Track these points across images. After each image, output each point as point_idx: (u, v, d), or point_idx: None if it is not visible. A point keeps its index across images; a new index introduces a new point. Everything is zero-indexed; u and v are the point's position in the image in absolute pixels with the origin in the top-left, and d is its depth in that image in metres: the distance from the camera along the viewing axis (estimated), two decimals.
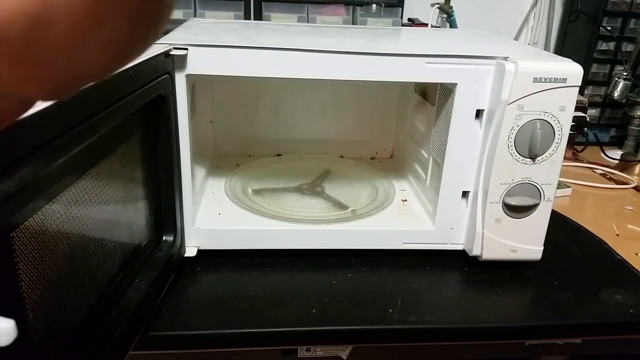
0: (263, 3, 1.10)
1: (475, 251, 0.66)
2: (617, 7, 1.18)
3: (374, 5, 1.12)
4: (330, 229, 0.69)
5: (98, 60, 0.19)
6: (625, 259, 0.73)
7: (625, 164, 1.12)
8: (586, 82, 1.23)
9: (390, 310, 0.59)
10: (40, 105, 0.30)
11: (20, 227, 0.33)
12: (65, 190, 0.39)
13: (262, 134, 0.94)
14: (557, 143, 0.61)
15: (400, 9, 1.14)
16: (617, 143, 1.25)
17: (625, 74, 1.16)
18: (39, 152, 0.31)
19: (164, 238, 0.60)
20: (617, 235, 0.83)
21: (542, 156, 0.62)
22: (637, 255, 0.76)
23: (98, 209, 0.45)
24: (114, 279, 0.49)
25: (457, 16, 1.27)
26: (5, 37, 0.16)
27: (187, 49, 0.57)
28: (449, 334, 0.59)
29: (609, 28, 1.18)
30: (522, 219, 0.64)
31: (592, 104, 1.23)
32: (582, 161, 1.16)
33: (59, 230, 0.38)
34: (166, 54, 0.54)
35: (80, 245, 0.42)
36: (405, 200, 0.80)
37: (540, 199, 0.64)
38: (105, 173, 0.46)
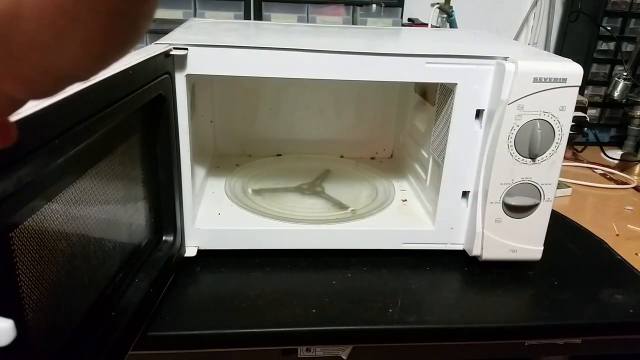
0: (263, 3, 1.10)
1: (475, 251, 0.66)
2: (617, 7, 1.18)
3: (374, 5, 1.12)
4: (330, 229, 0.69)
5: (78, 59, 0.19)
6: (625, 259, 0.73)
7: (625, 164, 1.12)
8: (586, 82, 1.23)
9: (390, 310, 0.59)
10: (38, 105, 0.30)
11: (20, 227, 0.33)
12: (65, 190, 0.39)
13: (262, 134, 0.94)
14: (557, 143, 0.61)
15: (400, 9, 1.14)
16: (617, 143, 1.25)
17: (625, 74, 1.16)
18: (38, 152, 0.31)
19: (163, 238, 0.60)
20: (617, 235, 0.83)
21: (542, 156, 0.62)
22: (637, 255, 0.76)
23: (98, 208, 0.45)
24: (113, 279, 0.49)
25: (457, 16, 1.27)
26: None
27: (187, 49, 0.57)
28: (449, 334, 0.59)
29: (609, 28, 1.18)
30: (522, 219, 0.64)
31: (592, 104, 1.23)
32: (582, 161, 1.16)
33: (59, 230, 0.38)
34: (166, 54, 0.54)
35: (79, 245, 0.42)
36: (405, 200, 0.80)
37: (540, 199, 0.64)
38: (105, 173, 0.46)
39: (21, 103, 0.21)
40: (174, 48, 0.56)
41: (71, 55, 0.19)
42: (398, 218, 0.74)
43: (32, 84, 0.19)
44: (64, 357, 0.40)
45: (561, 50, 1.33)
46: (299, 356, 0.60)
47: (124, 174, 0.50)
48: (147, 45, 0.56)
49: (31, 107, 0.30)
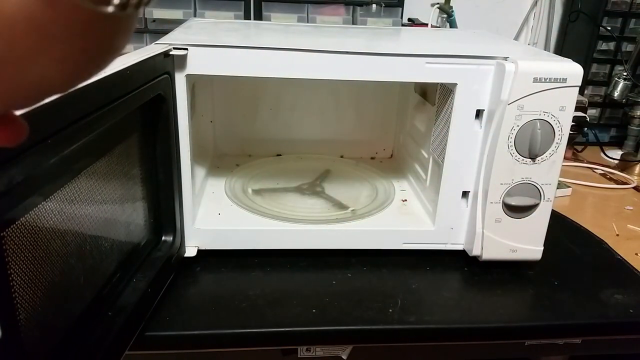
0: (263, 3, 1.10)
1: (475, 251, 0.66)
2: (617, 7, 1.18)
3: (374, 5, 1.12)
4: (330, 229, 0.69)
5: (53, 75, 0.19)
6: (625, 259, 0.73)
7: (625, 164, 1.12)
8: (586, 82, 1.23)
9: (390, 310, 0.59)
10: None
11: (12, 226, 0.32)
12: (60, 189, 0.39)
13: (262, 134, 0.94)
14: (557, 143, 0.61)
15: (400, 9, 1.14)
16: (617, 143, 1.25)
17: (625, 74, 1.16)
18: (30, 151, 0.31)
19: (163, 238, 0.60)
20: (617, 235, 0.83)
21: (542, 156, 0.61)
22: (637, 255, 0.76)
23: (94, 208, 0.45)
24: (110, 279, 0.49)
25: (457, 16, 1.27)
26: None
27: (187, 49, 0.57)
28: (449, 334, 0.59)
29: (609, 28, 1.18)
30: (522, 219, 0.64)
31: (592, 104, 1.23)
32: (582, 161, 1.16)
33: (53, 230, 0.38)
34: (166, 54, 0.54)
35: (75, 245, 0.42)
36: (405, 200, 0.80)
37: (540, 199, 0.63)
38: (103, 172, 0.46)
39: None
40: (174, 48, 0.56)
41: (47, 71, 0.19)
42: (398, 218, 0.74)
43: (7, 97, 0.19)
44: (59, 357, 0.40)
45: (561, 50, 1.32)
46: (299, 356, 0.60)
47: (122, 174, 0.50)
48: (147, 45, 0.56)
49: None
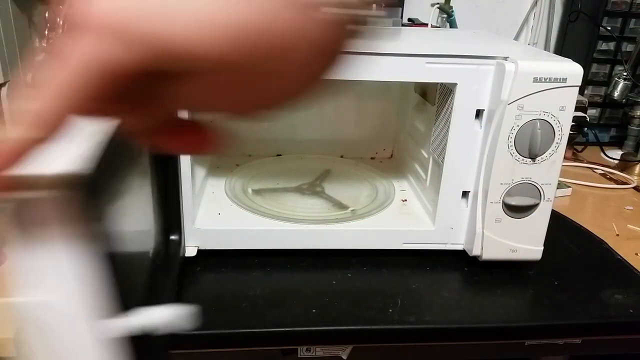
0: None
1: (475, 251, 0.66)
2: (617, 7, 1.18)
3: (374, 5, 1.12)
4: (330, 229, 0.69)
5: (292, 92, 0.22)
6: (625, 259, 0.73)
7: (625, 164, 1.12)
8: (586, 82, 1.23)
9: (390, 310, 0.59)
10: None
11: None
12: None
13: (262, 134, 0.94)
14: (557, 143, 0.61)
15: (400, 9, 1.14)
16: (617, 143, 1.25)
17: (625, 74, 1.15)
18: None
19: (164, 238, 0.60)
20: (617, 235, 0.83)
21: (542, 156, 0.62)
22: (637, 255, 0.76)
23: None
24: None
25: (457, 16, 1.27)
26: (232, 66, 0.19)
27: None
28: (449, 334, 0.59)
29: (609, 28, 1.18)
30: (522, 219, 0.64)
31: (592, 104, 1.23)
32: (582, 161, 1.16)
33: None
34: None
35: None
36: (405, 200, 0.80)
37: (540, 199, 0.63)
38: None
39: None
40: None
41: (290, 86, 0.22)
42: (398, 218, 0.74)
43: (251, 109, 0.23)
44: None
45: (561, 50, 1.32)
46: (299, 356, 0.60)
47: None
48: None
49: None
